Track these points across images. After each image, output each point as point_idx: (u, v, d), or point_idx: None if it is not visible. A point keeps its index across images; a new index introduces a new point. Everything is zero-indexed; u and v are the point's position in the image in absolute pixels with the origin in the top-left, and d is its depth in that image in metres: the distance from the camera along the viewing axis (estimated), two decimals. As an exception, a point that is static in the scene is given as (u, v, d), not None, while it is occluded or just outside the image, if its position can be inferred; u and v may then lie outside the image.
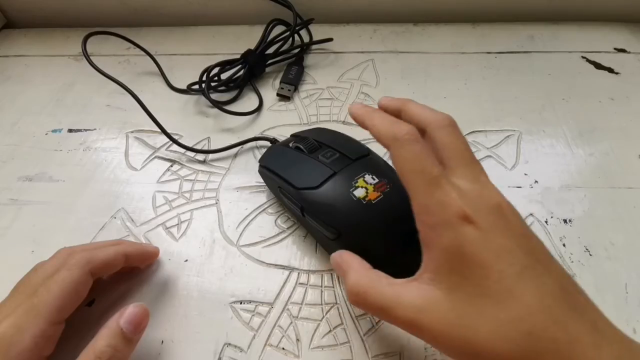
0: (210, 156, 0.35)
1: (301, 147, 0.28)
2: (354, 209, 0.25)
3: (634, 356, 0.17)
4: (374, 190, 0.25)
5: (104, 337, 0.21)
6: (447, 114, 0.23)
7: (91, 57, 0.35)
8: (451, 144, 0.22)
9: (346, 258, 0.22)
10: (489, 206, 0.19)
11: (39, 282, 0.22)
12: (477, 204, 0.19)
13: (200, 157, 0.35)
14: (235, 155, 0.35)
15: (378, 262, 0.22)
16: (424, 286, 0.19)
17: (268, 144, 0.34)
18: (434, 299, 0.18)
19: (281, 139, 0.35)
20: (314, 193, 0.26)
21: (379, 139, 0.22)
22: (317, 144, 0.28)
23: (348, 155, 0.27)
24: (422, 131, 0.23)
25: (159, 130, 0.34)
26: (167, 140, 0.35)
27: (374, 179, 0.25)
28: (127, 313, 0.22)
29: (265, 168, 0.30)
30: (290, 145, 0.29)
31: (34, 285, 0.22)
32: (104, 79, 0.34)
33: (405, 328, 0.19)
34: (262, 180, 0.32)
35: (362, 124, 0.24)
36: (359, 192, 0.25)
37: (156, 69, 0.42)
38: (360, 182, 0.25)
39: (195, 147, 0.35)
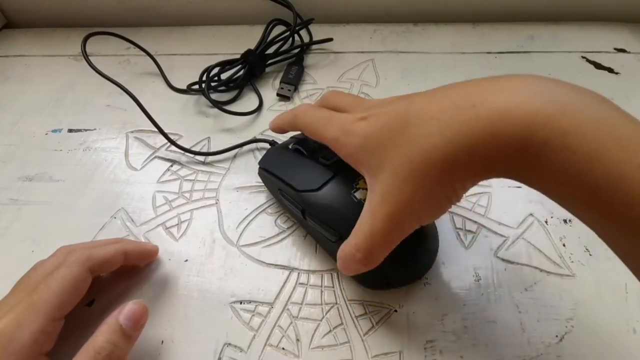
0: (210, 157, 0.35)
1: (301, 148, 0.28)
2: (355, 210, 0.24)
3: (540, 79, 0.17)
4: None
5: (103, 333, 0.21)
6: (330, 89, 0.29)
7: (91, 57, 0.35)
8: (341, 100, 0.26)
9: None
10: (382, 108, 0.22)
11: (38, 279, 0.22)
12: (370, 109, 0.22)
13: (200, 157, 0.35)
14: (235, 155, 0.35)
15: (380, 266, 0.22)
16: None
17: (268, 145, 0.34)
18: (380, 192, 0.20)
19: (281, 140, 0.35)
20: (314, 195, 0.26)
21: (287, 126, 0.27)
22: (317, 145, 0.28)
23: None
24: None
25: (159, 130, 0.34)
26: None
27: None
28: (126, 310, 0.22)
29: (265, 170, 0.30)
30: (290, 147, 0.29)
31: (33, 282, 0.22)
32: (104, 79, 0.34)
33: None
34: (262, 181, 0.32)
35: (277, 129, 0.28)
36: (360, 194, 0.25)
37: (156, 69, 0.42)
38: (361, 183, 0.25)
39: (195, 147, 0.35)
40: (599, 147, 0.15)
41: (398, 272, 0.25)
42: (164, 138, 0.35)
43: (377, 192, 0.20)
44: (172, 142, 0.34)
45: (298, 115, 0.26)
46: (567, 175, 0.15)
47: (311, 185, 0.26)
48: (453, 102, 0.18)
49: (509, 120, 0.16)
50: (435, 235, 0.27)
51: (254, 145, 0.35)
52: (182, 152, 0.35)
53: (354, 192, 0.25)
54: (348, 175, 0.26)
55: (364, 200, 0.24)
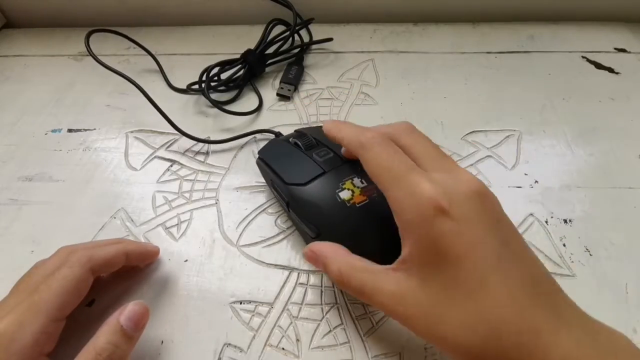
0: (211, 156, 0.35)
1: (299, 143, 0.29)
2: (337, 209, 0.25)
3: (592, 337, 0.17)
4: (360, 194, 0.25)
5: (104, 334, 0.21)
6: (407, 122, 0.24)
7: (91, 57, 0.35)
8: (418, 144, 0.22)
9: (318, 248, 0.23)
10: (463, 194, 0.19)
11: (39, 279, 0.22)
12: (451, 193, 0.19)
13: (200, 157, 0.35)
14: (235, 155, 0.35)
15: None
16: (401, 275, 0.20)
17: (272, 136, 0.35)
18: (409, 289, 0.19)
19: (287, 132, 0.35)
20: (300, 189, 0.26)
21: (349, 148, 0.23)
22: (314, 142, 0.29)
23: (342, 157, 0.27)
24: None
25: (159, 130, 0.34)
26: (167, 140, 0.35)
27: (362, 183, 0.25)
28: (127, 310, 0.22)
29: (262, 160, 0.30)
30: (291, 140, 0.30)
31: (35, 282, 0.22)
32: (104, 78, 0.34)
33: (385, 312, 0.21)
34: (262, 180, 0.32)
35: (334, 139, 0.25)
36: (345, 194, 0.25)
37: (156, 68, 0.42)
38: (347, 184, 0.25)
39: (195, 147, 0.35)
40: None
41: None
42: (164, 138, 0.35)
43: (400, 285, 0.20)
44: (180, 131, 0.34)
45: (365, 146, 0.22)
46: None
47: (299, 179, 0.26)
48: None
49: None
50: None
51: (253, 144, 0.36)
52: (182, 152, 0.35)
53: (339, 191, 0.25)
54: (337, 174, 0.26)
55: (348, 200, 0.25)
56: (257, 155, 0.31)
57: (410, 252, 0.20)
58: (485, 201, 0.20)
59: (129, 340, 0.22)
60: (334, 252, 0.23)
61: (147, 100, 0.34)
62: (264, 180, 0.32)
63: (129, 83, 0.34)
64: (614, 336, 0.18)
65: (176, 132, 0.34)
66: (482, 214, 0.19)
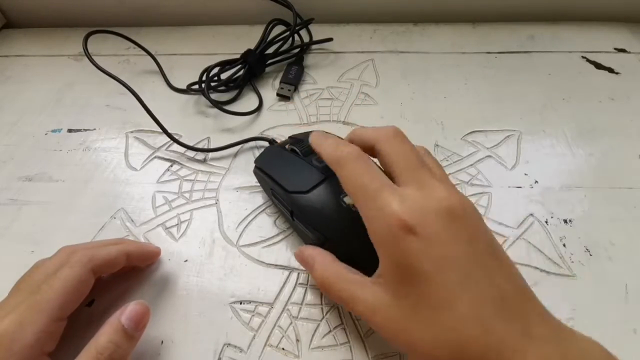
0: (210, 156, 0.35)
1: (296, 149, 0.28)
2: (342, 215, 0.24)
3: (562, 352, 0.17)
4: None
5: (105, 334, 0.21)
6: (392, 126, 0.23)
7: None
8: (394, 154, 0.22)
9: (309, 253, 0.24)
10: (434, 212, 0.19)
11: (41, 279, 0.22)
12: (421, 210, 0.19)
13: (200, 157, 0.35)
14: (235, 155, 0.35)
15: (362, 270, 0.22)
16: (377, 288, 0.20)
17: (266, 144, 0.34)
18: (383, 303, 0.20)
19: (281, 139, 0.35)
20: (303, 197, 0.26)
21: (328, 163, 0.23)
22: (311, 147, 0.28)
23: None
24: (373, 149, 0.23)
25: (159, 130, 0.34)
26: (167, 140, 0.35)
27: None
28: (128, 310, 0.22)
29: (260, 169, 0.30)
30: (287, 147, 0.29)
31: (36, 282, 0.22)
32: (104, 78, 0.34)
33: (365, 320, 0.21)
34: (257, 179, 0.32)
35: (317, 153, 0.25)
36: (349, 199, 0.25)
37: (156, 68, 0.42)
38: None
39: (195, 146, 0.35)
40: None
41: None
42: (164, 138, 0.35)
43: (376, 297, 0.20)
44: (174, 139, 0.34)
45: (340, 163, 0.22)
46: None
47: (301, 187, 0.26)
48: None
49: None
50: None
51: (254, 144, 0.35)
52: (182, 152, 0.35)
53: (343, 196, 0.25)
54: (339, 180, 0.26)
55: (352, 205, 0.24)
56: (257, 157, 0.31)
57: (384, 268, 0.20)
58: (456, 219, 0.19)
59: (130, 339, 0.22)
60: (322, 258, 0.23)
61: (146, 100, 0.34)
62: (262, 189, 0.32)
63: (128, 83, 0.34)
64: (587, 348, 0.18)
65: (176, 132, 0.34)
66: (451, 232, 0.19)
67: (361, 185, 0.21)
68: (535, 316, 0.18)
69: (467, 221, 0.20)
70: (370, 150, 0.23)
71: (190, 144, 0.35)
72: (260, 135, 0.35)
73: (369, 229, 0.21)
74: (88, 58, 0.34)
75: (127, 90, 0.34)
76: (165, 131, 0.34)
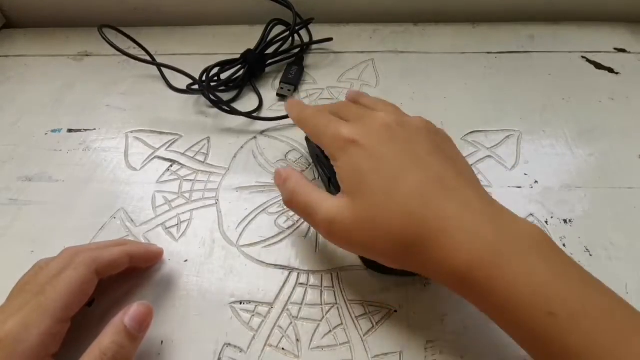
0: (210, 156, 0.35)
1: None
2: None
3: (496, 223, 0.20)
4: None
5: (109, 335, 0.21)
6: (350, 94, 0.30)
7: (91, 57, 0.35)
8: (343, 109, 0.27)
9: (286, 171, 0.26)
10: (372, 129, 0.24)
11: (44, 280, 0.22)
12: (362, 129, 0.24)
13: (200, 157, 0.35)
14: (235, 155, 0.35)
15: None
16: (338, 199, 0.23)
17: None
18: (342, 206, 0.23)
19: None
20: None
21: (296, 124, 0.29)
22: None
23: None
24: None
25: (159, 130, 0.34)
26: (167, 140, 0.35)
27: None
28: (131, 311, 0.23)
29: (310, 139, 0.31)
30: None
31: (40, 283, 0.22)
32: (104, 78, 0.34)
33: (323, 234, 0.24)
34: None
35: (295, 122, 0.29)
36: None
37: (156, 68, 0.42)
38: None
39: (195, 147, 0.36)
40: (514, 293, 0.19)
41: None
42: (164, 138, 0.34)
43: (337, 205, 0.23)
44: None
45: (302, 120, 0.28)
46: (489, 307, 0.20)
47: None
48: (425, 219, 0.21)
49: (457, 260, 0.20)
50: None
51: (254, 144, 0.35)
52: (182, 152, 0.35)
53: None
54: None
55: None
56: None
57: (342, 181, 0.23)
58: (391, 130, 0.24)
59: (133, 340, 0.22)
60: (296, 176, 0.26)
61: (146, 101, 0.34)
62: (309, 154, 0.33)
63: (128, 83, 0.34)
64: (525, 226, 0.21)
65: (176, 132, 0.34)
66: (386, 138, 0.23)
67: (318, 128, 0.26)
68: (474, 196, 0.22)
69: (404, 132, 0.24)
70: None
71: (191, 143, 0.35)
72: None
73: (329, 156, 0.24)
74: (103, 38, 0.33)
75: (127, 90, 0.34)
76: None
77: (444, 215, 0.20)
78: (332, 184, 0.28)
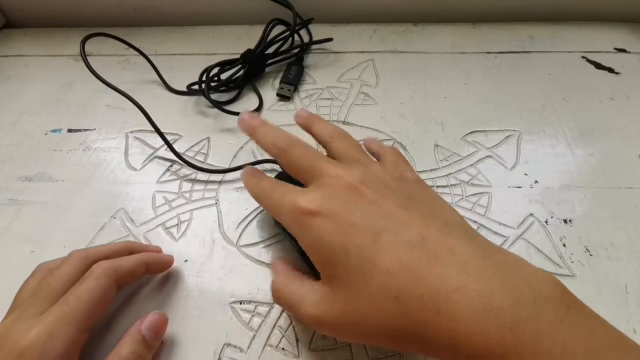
0: (210, 157, 0.35)
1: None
2: None
3: (499, 272, 0.17)
4: None
5: (127, 344, 0.22)
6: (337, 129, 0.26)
7: (91, 57, 0.34)
8: (295, 159, 0.23)
9: (274, 262, 0.25)
10: (330, 193, 0.21)
11: (60, 287, 0.22)
12: (320, 196, 0.21)
13: (200, 157, 0.35)
14: (235, 155, 0.35)
15: None
16: (317, 291, 0.21)
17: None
18: (324, 294, 0.20)
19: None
20: None
21: (253, 198, 0.25)
22: None
23: None
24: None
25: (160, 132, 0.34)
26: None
27: None
28: (148, 320, 0.23)
29: None
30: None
31: (56, 290, 0.22)
32: (104, 78, 0.34)
33: (312, 325, 0.21)
34: None
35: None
36: None
37: (156, 69, 0.42)
38: None
39: (195, 147, 0.35)
40: None
41: None
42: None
43: (319, 293, 0.20)
44: (180, 157, 0.34)
45: (258, 196, 0.25)
46: None
47: None
48: (417, 295, 0.17)
49: (472, 345, 0.16)
50: None
51: (253, 144, 0.35)
52: (182, 151, 0.35)
53: None
54: None
55: None
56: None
57: (314, 262, 0.21)
58: (353, 190, 0.21)
59: (149, 349, 0.23)
60: (279, 268, 0.24)
61: (146, 100, 0.34)
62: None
63: (128, 83, 0.34)
64: (537, 282, 0.17)
65: (176, 132, 0.34)
66: (351, 201, 0.20)
67: (275, 202, 0.22)
68: (469, 250, 0.18)
69: (368, 188, 0.21)
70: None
71: (191, 143, 0.35)
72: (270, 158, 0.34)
73: (293, 235, 0.21)
74: (85, 63, 0.33)
75: (127, 90, 0.33)
76: (167, 142, 0.34)
77: (440, 288, 0.17)
78: (305, 261, 0.25)
